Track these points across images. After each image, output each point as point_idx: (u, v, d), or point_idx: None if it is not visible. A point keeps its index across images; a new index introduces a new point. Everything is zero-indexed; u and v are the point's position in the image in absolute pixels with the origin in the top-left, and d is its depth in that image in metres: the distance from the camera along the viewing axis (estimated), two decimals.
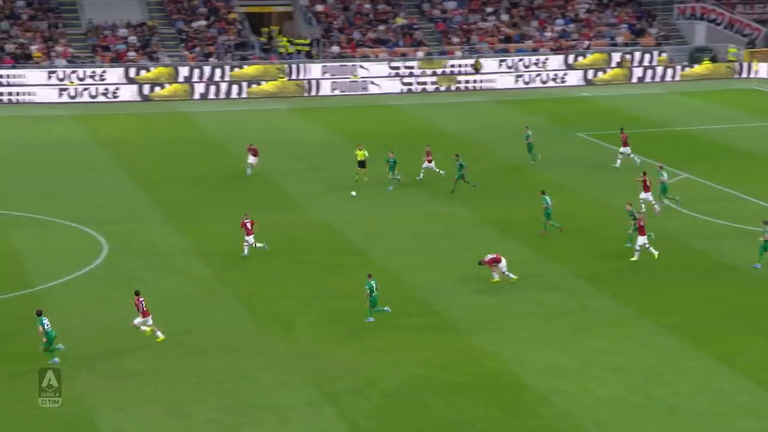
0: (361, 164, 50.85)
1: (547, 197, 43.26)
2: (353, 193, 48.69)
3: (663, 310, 35.56)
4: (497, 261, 37.38)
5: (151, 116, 68.90)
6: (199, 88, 73.97)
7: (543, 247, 41.64)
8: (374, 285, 34.28)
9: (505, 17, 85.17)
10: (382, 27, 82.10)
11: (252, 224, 40.50)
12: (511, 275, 37.69)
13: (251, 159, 51.74)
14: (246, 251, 40.37)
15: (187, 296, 36.72)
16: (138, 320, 32.37)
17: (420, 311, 35.71)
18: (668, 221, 45.12)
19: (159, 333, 32.54)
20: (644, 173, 46.19)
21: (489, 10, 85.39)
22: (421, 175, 51.07)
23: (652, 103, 73.94)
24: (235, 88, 74.60)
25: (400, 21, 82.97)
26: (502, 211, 44.45)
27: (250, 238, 40.34)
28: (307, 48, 78.64)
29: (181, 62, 74.93)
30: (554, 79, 79.77)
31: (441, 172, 50.82)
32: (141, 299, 32.38)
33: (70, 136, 62.44)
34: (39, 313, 30.80)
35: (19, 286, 36.85)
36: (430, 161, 51.29)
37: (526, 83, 79.17)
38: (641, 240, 39.93)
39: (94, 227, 43.97)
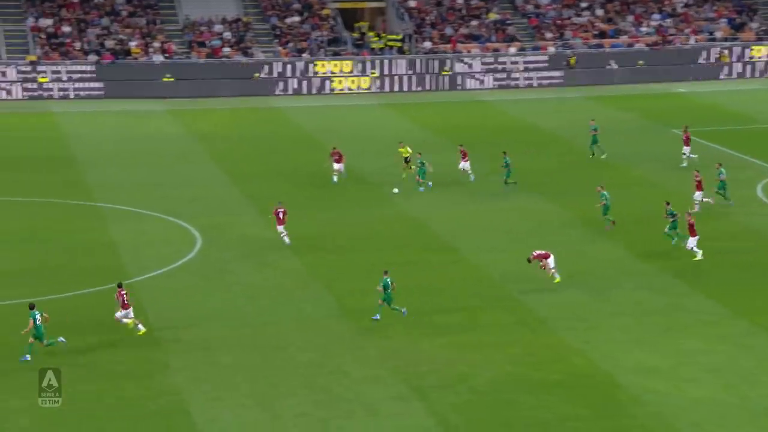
0: (406, 161, 50.81)
1: (605, 192, 42.81)
2: (395, 191, 48.20)
3: (758, 309, 34.80)
4: (545, 257, 36.90)
5: (245, 111, 69.68)
6: (292, 83, 74.58)
7: (635, 245, 41.05)
8: (389, 282, 33.87)
9: (599, 12, 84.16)
10: (474, 22, 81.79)
11: (284, 214, 40.67)
12: (557, 275, 36.97)
13: (336, 165, 50.26)
14: (287, 240, 40.73)
15: (278, 289, 37.05)
16: (119, 313, 32.39)
17: (510, 308, 35.51)
18: (756, 219, 44.19)
19: (140, 326, 32.53)
20: (697, 172, 45.46)
21: (584, 4, 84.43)
22: (473, 177, 50.39)
23: (751, 98, 72.37)
24: (327, 83, 75.03)
25: (493, 16, 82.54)
26: (593, 208, 43.92)
27: (281, 228, 40.60)
28: (398, 44, 78.71)
29: (275, 57, 75.62)
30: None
31: (471, 176, 50.26)
32: (123, 292, 32.43)
33: (166, 130, 63.49)
34: (31, 307, 30.80)
35: (116, 277, 37.56)
36: (465, 161, 50.72)
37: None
38: (692, 240, 39.14)
39: (188, 220, 44.64)
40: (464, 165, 50.69)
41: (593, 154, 54.78)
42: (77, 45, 74.10)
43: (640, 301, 35.89)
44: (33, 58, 71.88)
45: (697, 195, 44.81)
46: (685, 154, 52.85)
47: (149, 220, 45.04)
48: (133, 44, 74.86)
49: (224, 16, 78.70)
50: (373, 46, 78.58)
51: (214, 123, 65.71)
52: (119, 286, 32.81)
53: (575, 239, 42.00)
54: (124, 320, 32.60)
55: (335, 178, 50.07)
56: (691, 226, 39.16)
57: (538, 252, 37.06)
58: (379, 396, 29.06)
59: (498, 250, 41.27)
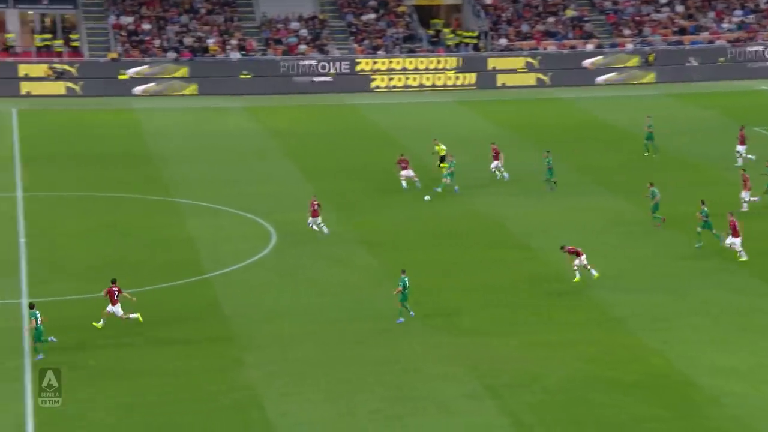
0: (442, 159, 50.49)
1: (655, 189, 42.20)
2: (427, 198, 46.68)
3: None
4: (578, 254, 36.46)
5: (319, 107, 70.00)
6: (366, 80, 74.72)
7: (711, 245, 40.35)
8: (407, 282, 33.43)
9: (680, 8, 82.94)
10: (551, 19, 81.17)
11: (319, 206, 41.47)
12: (594, 271, 36.54)
13: (403, 172, 48.82)
14: (326, 230, 41.42)
15: (351, 286, 37.14)
16: (109, 308, 32.36)
17: (585, 306, 35.16)
18: None
19: (133, 316, 32.40)
20: (744, 170, 44.57)
21: (663, 0, 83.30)
22: (506, 176, 49.79)
23: None
24: (402, 79, 75.07)
25: (570, 13, 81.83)
26: (669, 207, 43.29)
27: (317, 219, 41.29)
28: (474, 40, 78.47)
29: (350, 54, 75.84)
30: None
31: (504, 174, 49.69)
32: (115, 288, 32.41)
33: (242, 126, 64.04)
34: (31, 306, 30.79)
35: (193, 273, 37.99)
36: (497, 159, 50.04)
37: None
38: (737, 241, 38.33)
39: (263, 216, 44.96)
40: (496, 164, 50.07)
41: (648, 152, 54.03)
42: (157, 42, 75.11)
43: (717, 301, 35.31)
44: (114, 55, 73.02)
45: (744, 194, 44.11)
46: (739, 152, 52.11)
47: (225, 216, 45.47)
48: (210, 41, 75.66)
49: (301, 14, 79.13)
50: (449, 43, 78.41)
51: (289, 120, 66.12)
52: (113, 282, 32.63)
53: (650, 238, 41.41)
54: (113, 312, 32.37)
55: (404, 184, 48.76)
56: (733, 227, 38.45)
57: (571, 248, 36.73)
58: (452, 394, 28.97)
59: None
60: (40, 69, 71.16)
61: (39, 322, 30.22)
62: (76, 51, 74.31)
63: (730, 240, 38.62)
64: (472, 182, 50.33)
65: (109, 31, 75.61)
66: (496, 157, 50.24)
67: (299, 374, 30.21)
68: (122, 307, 32.44)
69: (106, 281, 36.51)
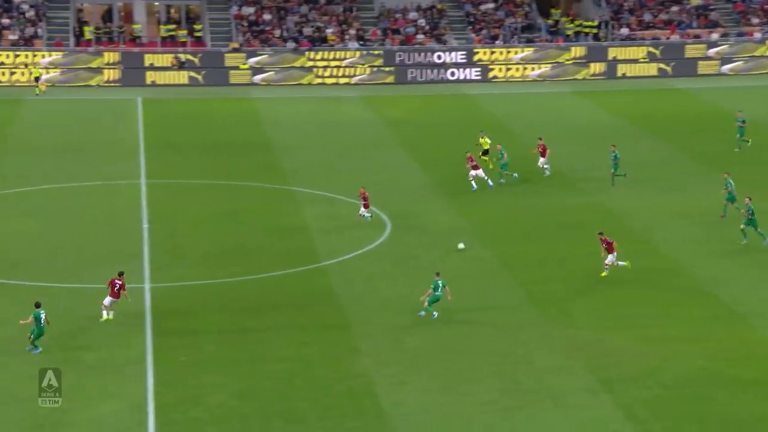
0: (485, 153, 49.99)
1: (730, 180, 41.30)
2: (461, 246, 39.78)
3: None
4: (609, 250, 35.91)
5: (435, 97, 69.95)
6: (484, 70, 74.39)
7: None
8: (440, 284, 32.80)
9: None
10: (675, 8, 79.53)
11: (366, 197, 42.21)
12: (620, 263, 36.25)
13: (473, 172, 47.39)
14: (368, 215, 42.06)
15: (465, 277, 37.04)
16: (107, 300, 32.31)
17: (705, 302, 34.45)
18: None
19: (110, 314, 32.25)
20: None
21: None
22: (548, 173, 48.82)
23: None
24: (519, 69, 74.53)
25: (695, 1, 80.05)
26: None
27: (365, 210, 42.01)
28: (594, 30, 77.41)
29: (468, 44, 75.59)
30: None
31: (546, 169, 48.70)
32: (119, 281, 32.24)
33: (358, 116, 64.42)
34: (38, 305, 30.15)
35: (309, 261, 38.41)
36: (543, 155, 48.88)
37: None
38: None
39: (378, 206, 45.17)
40: (543, 161, 49.13)
41: (738, 147, 52.51)
42: (277, 32, 76.05)
43: None
44: (235, 44, 74.19)
45: None
46: None
47: (341, 205, 45.83)
48: (329, 31, 76.28)
49: (419, 4, 79.18)
50: (568, 32, 77.51)
51: (404, 109, 66.24)
52: (120, 274, 32.60)
53: None
54: (107, 308, 32.38)
55: (474, 185, 46.93)
56: None
57: (607, 240, 36.18)
58: (567, 387, 28.70)
59: (693, 241, 40.06)
60: (164, 59, 72.78)
61: (42, 322, 29.83)
62: (199, 41, 75.76)
63: None
64: (588, 175, 49.71)
65: (231, 21, 76.84)
66: (543, 154, 49.36)
67: (412, 363, 30.30)
68: (112, 305, 32.23)
69: (226, 268, 37.21)
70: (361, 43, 75.50)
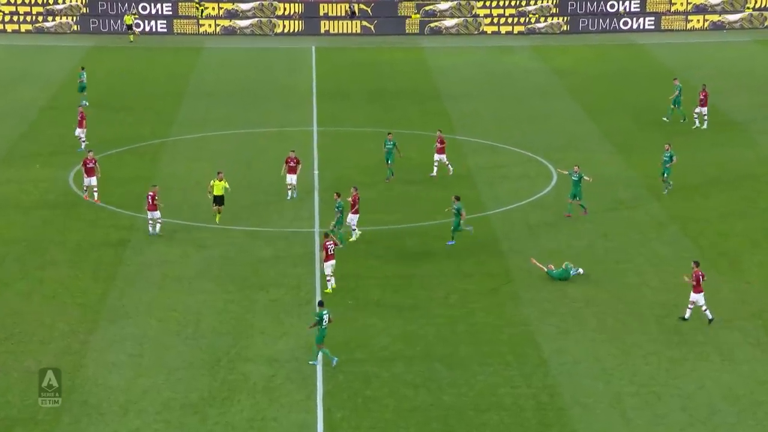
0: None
1: None
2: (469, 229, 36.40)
3: None
4: (697, 285, 29.40)
5: (606, 47, 68.68)
6: (654, 19, 72.56)
7: None
8: (460, 208, 34.56)
9: None
10: None
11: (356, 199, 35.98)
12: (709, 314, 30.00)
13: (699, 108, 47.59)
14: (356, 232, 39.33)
15: (633, 229, 36.51)
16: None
17: None
18: None
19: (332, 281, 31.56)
20: None
21: None
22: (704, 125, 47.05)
23: None
24: (694, 19, 72.35)
25: None
26: None
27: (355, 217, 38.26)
28: None
29: None
30: None
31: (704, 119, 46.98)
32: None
33: (527, 65, 63.85)
34: (320, 304, 27.84)
35: (473, 209, 38.52)
36: (703, 105, 46.95)
37: None
38: None
39: (544, 155, 44.86)
40: (699, 110, 47.56)
41: (667, 117, 49.58)
42: None
43: None
44: None
45: None
46: None
47: (506, 154, 45.71)
48: None
49: None
50: None
51: (574, 59, 65.30)
52: (326, 235, 31.94)
53: None
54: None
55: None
56: None
57: (699, 272, 29.37)
58: (735, 341, 28.19)
59: None
60: (339, 8, 73.65)
61: (325, 323, 27.33)
62: None
63: None
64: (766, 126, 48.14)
65: None
66: (704, 103, 47.73)
67: (575, 313, 30.23)
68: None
69: (389, 215, 37.66)
70: None
